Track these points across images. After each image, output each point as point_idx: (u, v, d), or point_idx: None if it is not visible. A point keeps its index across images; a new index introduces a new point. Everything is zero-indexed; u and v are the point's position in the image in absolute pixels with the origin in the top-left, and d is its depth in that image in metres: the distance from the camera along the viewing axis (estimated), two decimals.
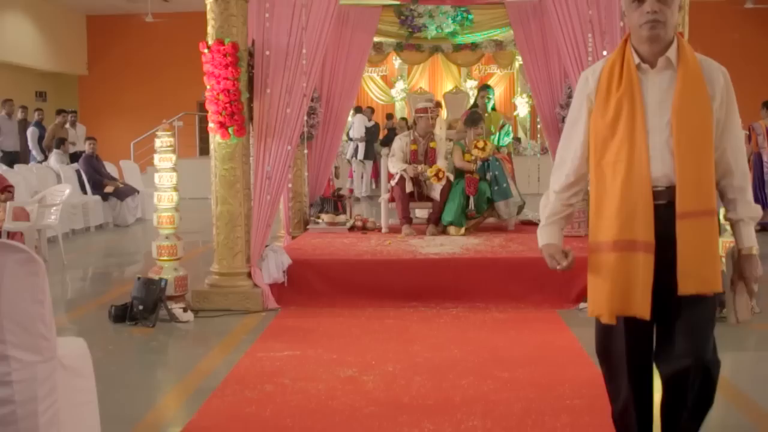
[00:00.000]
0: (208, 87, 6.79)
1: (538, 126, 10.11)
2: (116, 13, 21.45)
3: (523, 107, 20.10)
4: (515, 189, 9.01)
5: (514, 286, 6.99)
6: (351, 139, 17.59)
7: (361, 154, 17.48)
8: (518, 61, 17.85)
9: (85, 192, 13.34)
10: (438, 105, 9.65)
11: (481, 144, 8.83)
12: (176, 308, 6.60)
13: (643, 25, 2.89)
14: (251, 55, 6.92)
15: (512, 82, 21.13)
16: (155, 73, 21.61)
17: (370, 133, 17.65)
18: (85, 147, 14.00)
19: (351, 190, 17.28)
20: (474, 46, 13.62)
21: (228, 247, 6.94)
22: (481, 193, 8.83)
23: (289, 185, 8.51)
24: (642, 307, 2.88)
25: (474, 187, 8.74)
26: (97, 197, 13.33)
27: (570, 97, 8.55)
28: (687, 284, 2.86)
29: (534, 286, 6.90)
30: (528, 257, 7.21)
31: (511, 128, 10.84)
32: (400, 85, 20.94)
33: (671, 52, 2.94)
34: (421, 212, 9.75)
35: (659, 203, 2.89)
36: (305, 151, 9.26)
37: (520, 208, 9.12)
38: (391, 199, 9.01)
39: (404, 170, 8.74)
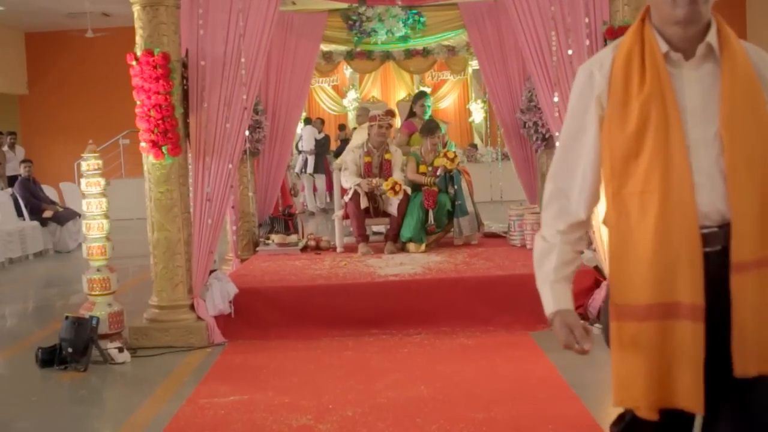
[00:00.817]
0: (137, 102, 6.16)
1: (499, 131, 9.56)
2: (56, 29, 20.67)
3: (478, 113, 19.67)
4: (472, 206, 8.38)
5: (481, 307, 6.45)
6: (300, 152, 17.02)
7: (310, 168, 16.91)
8: (471, 66, 17.54)
9: (22, 218, 12.56)
10: (390, 113, 9.02)
11: (451, 155, 8.24)
12: (111, 348, 5.94)
13: None
14: (185, 66, 6.30)
15: (466, 88, 20.71)
16: (98, 89, 20.80)
17: (321, 146, 17.10)
18: (21, 170, 13.24)
19: (305, 205, 16.73)
20: (426, 52, 13.20)
21: (167, 277, 6.31)
22: (441, 206, 8.23)
23: (233, 206, 7.88)
24: (693, 397, 2.09)
25: (433, 200, 8.16)
26: (36, 223, 12.55)
27: (531, 100, 8.06)
28: (747, 363, 2.08)
29: (503, 306, 6.38)
30: (495, 275, 6.69)
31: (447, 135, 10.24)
32: (352, 94, 20.42)
33: (711, 37, 2.12)
34: (378, 228, 9.18)
35: (711, 250, 2.10)
36: (250, 168, 8.65)
37: (479, 226, 8.50)
38: (345, 216, 8.42)
39: (358, 185, 8.16)
